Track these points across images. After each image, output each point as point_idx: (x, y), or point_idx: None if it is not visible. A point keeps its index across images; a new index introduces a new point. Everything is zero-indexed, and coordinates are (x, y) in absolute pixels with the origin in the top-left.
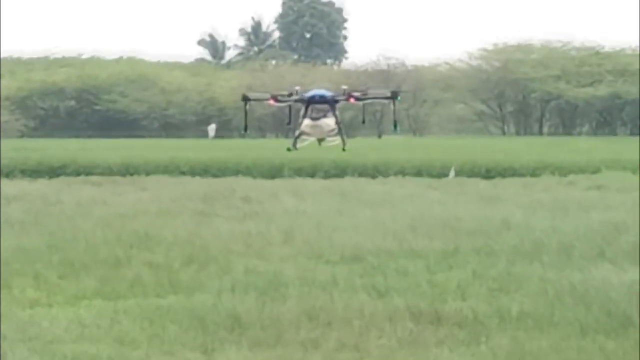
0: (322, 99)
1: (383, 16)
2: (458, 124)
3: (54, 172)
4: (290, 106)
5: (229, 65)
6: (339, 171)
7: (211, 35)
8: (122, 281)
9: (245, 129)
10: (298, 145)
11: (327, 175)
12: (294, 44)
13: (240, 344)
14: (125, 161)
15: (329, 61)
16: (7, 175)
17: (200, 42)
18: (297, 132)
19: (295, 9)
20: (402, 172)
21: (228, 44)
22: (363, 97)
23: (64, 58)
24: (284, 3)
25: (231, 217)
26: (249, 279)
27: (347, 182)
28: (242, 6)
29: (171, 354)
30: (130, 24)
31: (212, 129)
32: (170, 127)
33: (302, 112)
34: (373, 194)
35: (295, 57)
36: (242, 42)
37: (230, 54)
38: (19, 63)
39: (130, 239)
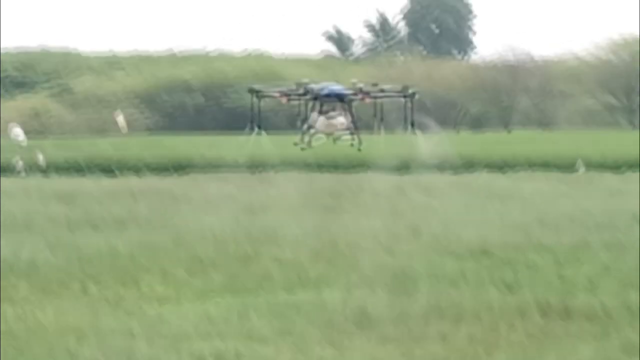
0: (336, 96)
1: (511, 10)
2: (587, 117)
3: (181, 168)
4: (306, 101)
5: (356, 60)
6: (468, 166)
7: (338, 30)
8: (250, 277)
9: (258, 127)
10: (313, 144)
11: (456, 170)
12: (422, 39)
13: (369, 339)
14: (253, 157)
15: (457, 56)
16: (135, 172)
17: (327, 37)
18: (305, 126)
19: (424, 3)
20: (530, 167)
21: (355, 39)
22: (376, 95)
23: (190, 54)
24: None
25: (359, 212)
26: (378, 274)
27: (476, 176)
28: (367, 2)
29: (301, 350)
30: (254, 20)
31: None
32: (297, 122)
33: (311, 105)
34: (501, 188)
35: (423, 52)
36: (369, 36)
37: (357, 49)
38: (145, 59)
39: (259, 235)
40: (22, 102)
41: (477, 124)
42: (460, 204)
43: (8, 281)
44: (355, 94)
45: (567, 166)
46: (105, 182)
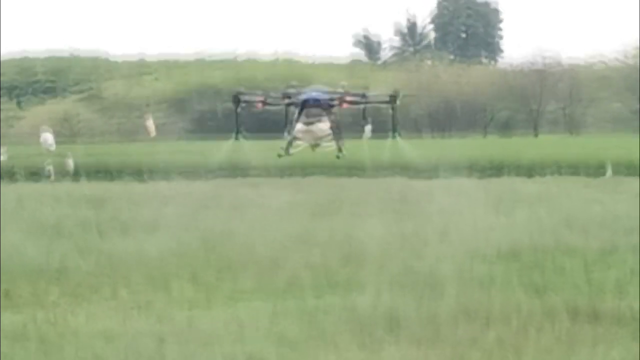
0: (315, 102)
1: (539, 15)
2: (614, 122)
3: (211, 173)
4: (286, 107)
5: (384, 65)
6: (495, 170)
7: (366, 36)
8: (279, 281)
9: (237, 133)
10: (291, 151)
11: (483, 174)
12: (450, 44)
13: (398, 342)
14: (278, 163)
15: (484, 61)
16: (164, 177)
17: (356, 43)
18: (289, 138)
19: (451, 9)
20: (558, 171)
21: (383, 44)
22: (359, 101)
23: (220, 60)
24: (439, 3)
25: (387, 217)
26: (406, 278)
27: (503, 181)
28: (395, 7)
29: (330, 354)
30: (283, 25)
31: (367, 129)
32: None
33: (295, 115)
34: (529, 192)
35: (451, 57)
36: (397, 42)
37: (385, 55)
38: (175, 65)
39: (287, 239)
40: (52, 107)
41: (505, 128)
42: (488, 207)
43: (38, 286)
44: (333, 99)
45: (594, 170)
46: (135, 187)
